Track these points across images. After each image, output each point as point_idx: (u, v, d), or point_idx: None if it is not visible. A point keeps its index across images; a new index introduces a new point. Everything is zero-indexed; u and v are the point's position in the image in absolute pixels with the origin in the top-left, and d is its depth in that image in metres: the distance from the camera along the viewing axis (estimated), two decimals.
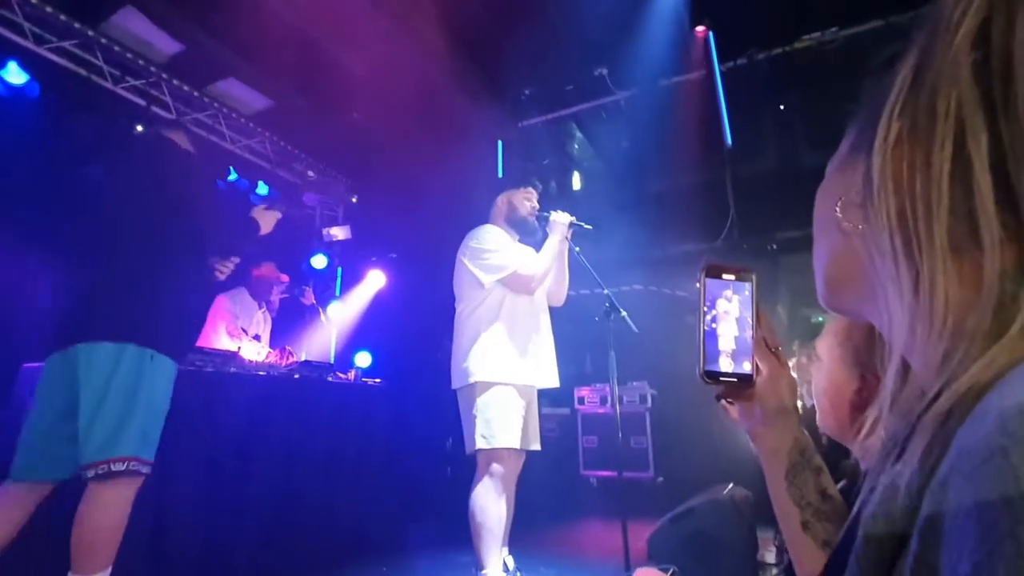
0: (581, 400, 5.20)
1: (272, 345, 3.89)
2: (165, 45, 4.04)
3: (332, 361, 4.95)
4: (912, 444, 0.30)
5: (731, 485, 2.69)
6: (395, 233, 5.49)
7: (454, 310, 2.57)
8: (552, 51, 4.49)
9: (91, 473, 1.73)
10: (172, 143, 2.20)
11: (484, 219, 2.65)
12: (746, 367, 0.72)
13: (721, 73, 4.76)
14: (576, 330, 3.59)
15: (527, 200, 2.64)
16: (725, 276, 0.73)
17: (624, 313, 2.59)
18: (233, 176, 4.60)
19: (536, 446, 2.54)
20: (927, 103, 0.34)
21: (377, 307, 5.45)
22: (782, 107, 5.15)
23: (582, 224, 2.55)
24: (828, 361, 0.92)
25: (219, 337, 3.62)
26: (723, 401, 0.79)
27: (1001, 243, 0.30)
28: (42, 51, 3.65)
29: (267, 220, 2.38)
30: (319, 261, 5.47)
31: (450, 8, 3.89)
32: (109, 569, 1.76)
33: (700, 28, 4.78)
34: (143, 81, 4.10)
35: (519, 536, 2.56)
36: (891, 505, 0.30)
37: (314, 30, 3.94)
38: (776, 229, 4.94)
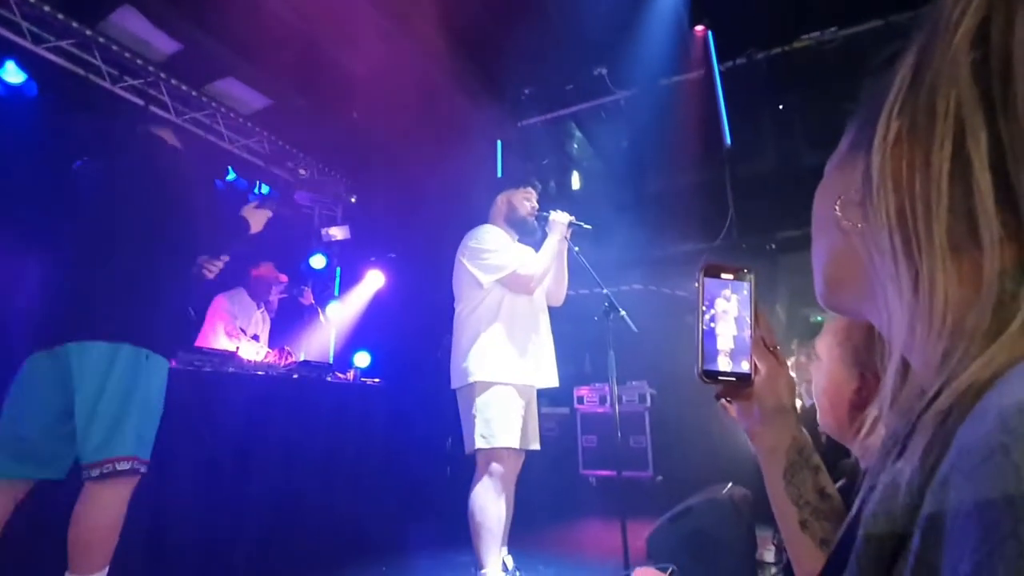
0: (580, 399, 5.21)
1: (271, 345, 3.89)
2: (163, 44, 4.03)
3: (331, 361, 4.95)
4: (912, 442, 0.30)
5: (730, 484, 2.69)
6: (394, 233, 5.48)
7: (453, 310, 2.57)
8: (551, 51, 4.49)
9: (94, 473, 1.73)
10: (160, 140, 2.20)
11: (483, 219, 2.65)
12: (744, 366, 0.72)
13: (720, 73, 4.76)
14: (575, 330, 3.59)
15: (527, 200, 2.64)
16: (724, 275, 0.73)
17: (623, 313, 2.59)
18: (232, 176, 4.59)
19: (536, 446, 2.54)
20: (926, 102, 0.34)
21: (376, 307, 5.44)
22: (781, 107, 5.16)
23: (581, 224, 2.55)
24: (827, 360, 0.92)
25: (218, 337, 3.61)
26: (722, 400, 0.79)
27: (1001, 242, 0.30)
28: (40, 50, 3.64)
29: (257, 219, 2.35)
30: (318, 261, 5.46)
31: (450, 7, 3.89)
32: (106, 569, 1.75)
33: (699, 28, 4.78)
34: (141, 80, 4.09)
35: (518, 535, 2.56)
36: (892, 504, 0.30)
37: (313, 29, 3.94)
38: (775, 229, 4.94)
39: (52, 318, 1.85)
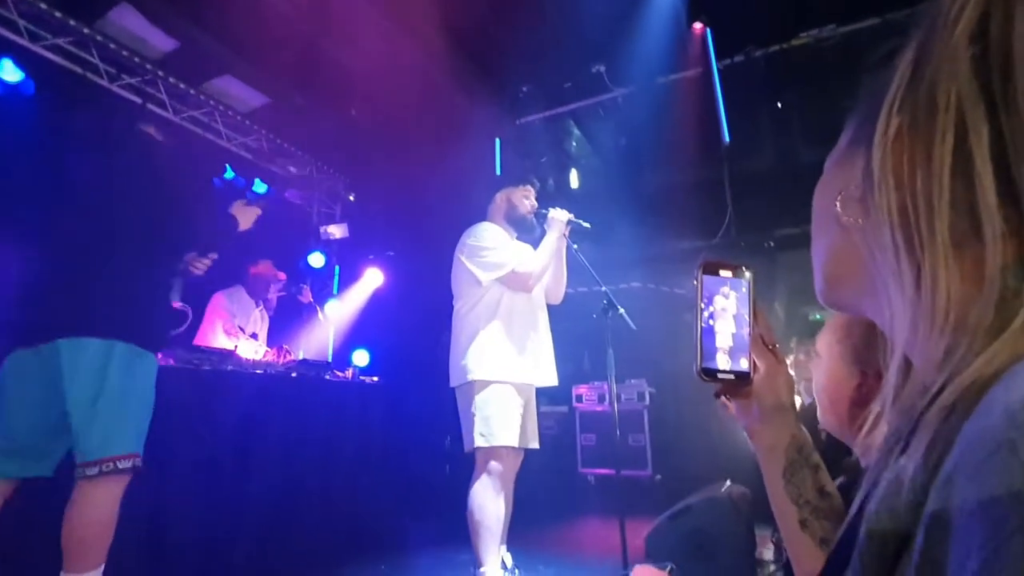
0: (579, 398, 5.21)
1: (270, 343, 3.88)
2: (160, 42, 4.02)
3: (330, 359, 4.95)
4: (916, 439, 0.30)
5: (729, 483, 2.70)
6: (392, 231, 5.48)
7: (452, 308, 2.57)
8: (550, 48, 4.48)
9: (91, 471, 1.71)
10: (149, 136, 2.18)
11: (482, 217, 2.65)
12: (743, 364, 0.72)
13: (719, 70, 4.76)
14: (574, 328, 3.59)
15: (526, 198, 2.64)
16: (722, 273, 0.73)
17: (622, 310, 2.59)
18: (230, 174, 4.58)
19: (535, 444, 2.54)
20: (926, 98, 0.33)
21: (375, 305, 5.44)
22: (779, 104, 5.15)
23: (580, 222, 2.55)
24: (827, 358, 0.92)
25: (216, 335, 3.61)
26: (721, 399, 0.78)
27: (1003, 237, 0.30)
28: (37, 48, 3.63)
29: (246, 216, 2.32)
30: (316, 259, 5.46)
31: (448, 5, 3.88)
32: (102, 567, 1.74)
33: (697, 25, 4.77)
34: (139, 78, 4.08)
35: (517, 534, 2.56)
36: (895, 501, 0.30)
37: (311, 27, 3.92)
38: (774, 226, 4.94)
39: (38, 315, 1.82)
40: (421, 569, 3.00)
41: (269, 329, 4.12)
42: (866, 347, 0.86)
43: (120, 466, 1.74)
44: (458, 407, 2.46)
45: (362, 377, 3.84)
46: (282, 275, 4.16)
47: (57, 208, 1.94)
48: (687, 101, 4.88)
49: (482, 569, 2.23)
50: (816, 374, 0.95)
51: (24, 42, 3.56)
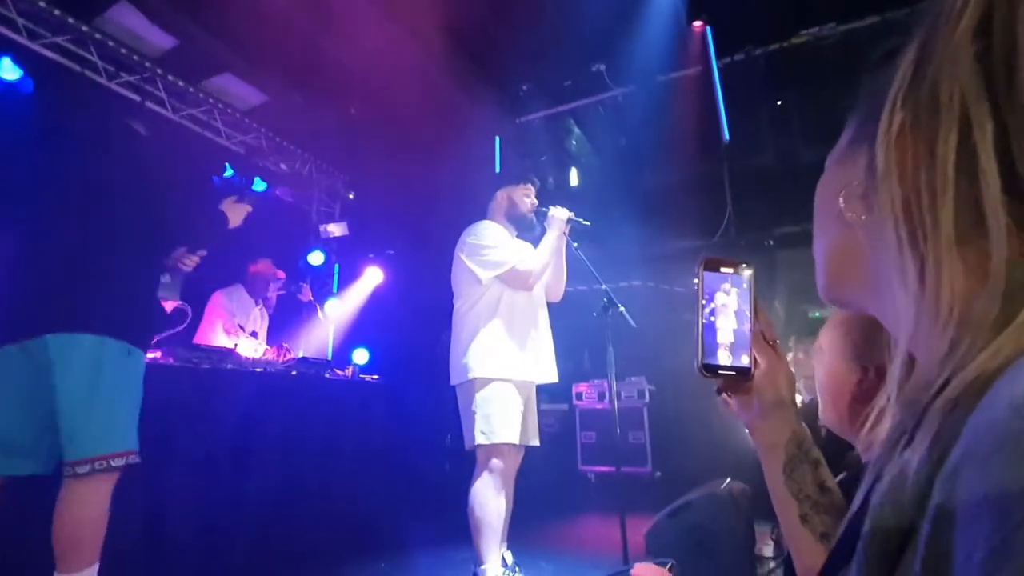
0: (579, 396, 5.22)
1: (269, 342, 3.89)
2: (159, 40, 4.02)
3: (329, 358, 4.95)
4: (920, 433, 0.30)
5: (728, 479, 2.70)
6: (392, 230, 5.48)
7: (452, 306, 2.57)
8: (550, 47, 4.48)
9: (85, 468, 1.68)
10: (136, 132, 2.17)
11: (482, 215, 2.65)
12: (744, 360, 0.72)
13: (719, 69, 4.76)
14: (574, 326, 3.59)
15: (527, 196, 2.64)
16: (723, 269, 0.73)
17: (622, 309, 2.59)
18: (229, 172, 4.58)
19: (535, 442, 2.54)
20: (930, 94, 0.34)
21: (374, 304, 5.44)
22: (779, 103, 5.15)
23: (580, 220, 2.55)
24: (829, 354, 0.92)
25: (216, 334, 3.61)
26: (722, 395, 0.79)
27: (1007, 232, 0.30)
28: (36, 46, 3.63)
29: (236, 213, 2.30)
30: (316, 258, 5.46)
31: (448, 4, 3.88)
32: (96, 565, 1.71)
33: (697, 24, 4.77)
34: (137, 76, 4.08)
35: (517, 532, 2.57)
36: (899, 494, 0.30)
37: (310, 25, 3.92)
38: (773, 225, 4.94)
39: (25, 310, 1.78)
40: (421, 567, 3.00)
41: (269, 328, 4.12)
42: (867, 343, 0.86)
43: (113, 464, 1.71)
44: (459, 405, 2.46)
45: (362, 375, 3.84)
46: (281, 274, 4.16)
47: (45, 204, 1.91)
48: (687, 100, 4.88)
49: (483, 567, 2.24)
50: (817, 370, 0.95)
51: (23, 40, 3.56)
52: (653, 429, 4.85)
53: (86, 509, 1.70)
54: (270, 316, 4.14)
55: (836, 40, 4.42)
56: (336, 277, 5.70)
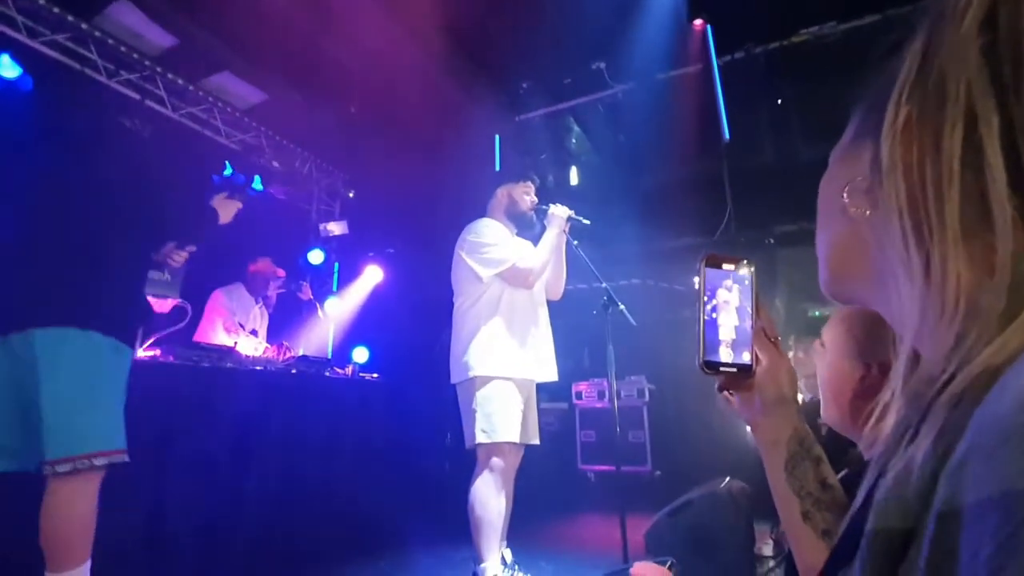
0: (579, 395, 5.22)
1: (269, 340, 3.88)
2: (159, 38, 4.01)
3: (329, 356, 4.95)
4: (925, 428, 0.30)
5: (728, 478, 2.70)
6: (392, 228, 5.48)
7: (452, 304, 2.56)
8: (550, 45, 4.47)
9: (66, 467, 1.62)
10: (122, 126, 2.16)
11: (482, 213, 2.65)
12: (745, 357, 0.72)
13: (719, 67, 4.75)
14: (574, 324, 3.59)
15: (526, 194, 2.63)
16: (725, 266, 0.73)
17: (622, 307, 2.59)
18: (229, 171, 4.58)
19: (535, 440, 2.54)
20: (936, 87, 0.33)
21: (374, 302, 5.44)
22: (779, 101, 5.14)
23: (580, 218, 2.55)
24: (831, 351, 0.92)
25: (216, 333, 3.61)
26: (724, 392, 0.78)
27: (1014, 225, 0.30)
28: (35, 45, 3.62)
29: (227, 209, 2.28)
30: (316, 256, 5.46)
31: (448, 2, 3.87)
32: (87, 563, 1.68)
33: (698, 21, 4.76)
34: (137, 75, 4.07)
35: (517, 530, 2.57)
36: (904, 489, 0.30)
37: (310, 24, 3.91)
38: (773, 223, 4.94)
39: (12, 304, 1.75)
40: (421, 566, 3.00)
41: (269, 326, 4.12)
42: (869, 340, 0.86)
43: (96, 463, 1.67)
44: (459, 403, 2.46)
45: (362, 374, 3.84)
46: (281, 272, 4.16)
47: (40, 201, 1.90)
48: (687, 98, 4.87)
49: (483, 565, 2.24)
50: (819, 367, 0.95)
51: (22, 38, 3.55)
52: (653, 428, 4.85)
53: (72, 508, 1.67)
54: (270, 314, 4.14)
55: (836, 38, 4.41)
56: (336, 275, 5.70)
